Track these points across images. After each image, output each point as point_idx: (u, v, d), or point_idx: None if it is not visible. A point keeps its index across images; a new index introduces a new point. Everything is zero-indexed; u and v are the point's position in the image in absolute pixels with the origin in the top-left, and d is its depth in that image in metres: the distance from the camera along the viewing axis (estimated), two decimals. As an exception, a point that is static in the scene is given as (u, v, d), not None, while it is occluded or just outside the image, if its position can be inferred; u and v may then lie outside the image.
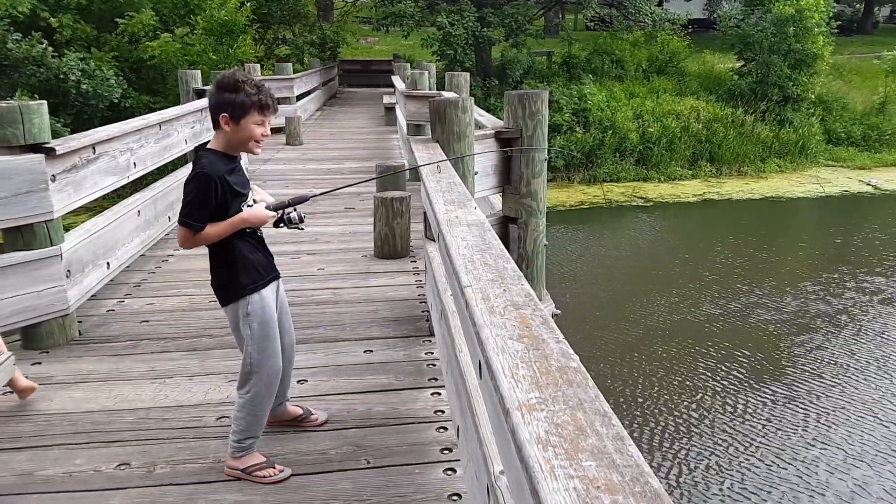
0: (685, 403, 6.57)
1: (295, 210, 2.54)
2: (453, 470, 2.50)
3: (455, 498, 2.35)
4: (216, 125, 2.35)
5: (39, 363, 3.41)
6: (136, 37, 13.09)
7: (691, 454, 5.75)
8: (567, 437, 1.00)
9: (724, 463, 5.62)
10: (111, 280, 4.33)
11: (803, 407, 6.54)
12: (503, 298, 1.59)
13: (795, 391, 6.84)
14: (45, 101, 3.54)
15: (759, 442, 5.94)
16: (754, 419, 6.32)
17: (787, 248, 11.75)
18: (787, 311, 8.91)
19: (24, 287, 3.43)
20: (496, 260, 1.91)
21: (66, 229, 3.81)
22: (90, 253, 3.97)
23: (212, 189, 2.27)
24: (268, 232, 2.57)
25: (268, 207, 2.46)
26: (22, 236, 3.46)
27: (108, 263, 4.21)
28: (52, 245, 3.55)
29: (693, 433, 6.06)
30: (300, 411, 2.79)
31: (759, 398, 6.69)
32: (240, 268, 2.39)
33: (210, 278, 2.48)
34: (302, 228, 2.56)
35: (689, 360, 7.49)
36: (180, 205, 2.33)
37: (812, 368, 7.35)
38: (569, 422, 1.05)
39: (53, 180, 3.52)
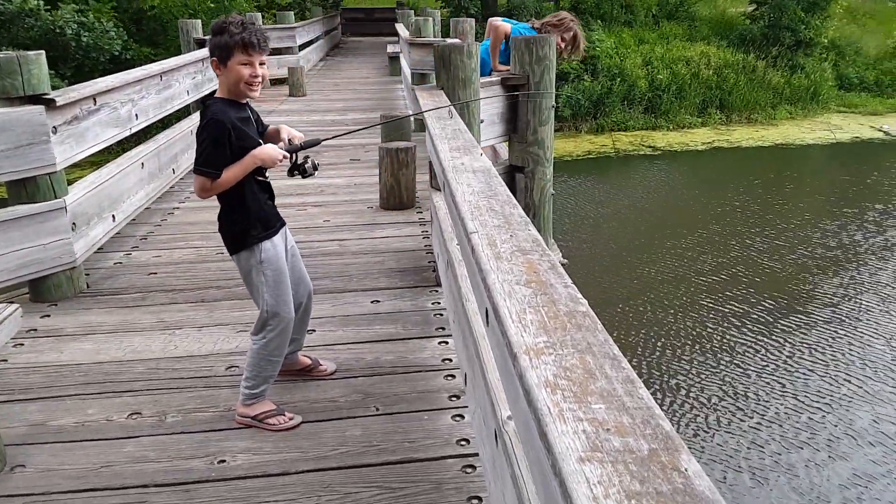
0: (698, 344, 6.63)
1: (309, 159, 2.53)
2: (461, 416, 2.52)
3: (463, 443, 2.37)
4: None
5: (48, 316, 3.43)
6: (136, -14, 12.87)
7: (702, 396, 5.81)
8: (576, 381, 0.99)
9: (733, 405, 5.67)
10: (117, 233, 4.33)
11: (818, 343, 6.65)
12: (510, 244, 1.57)
13: (813, 327, 6.96)
14: (43, 52, 3.47)
15: (771, 382, 6.00)
16: (768, 356, 6.40)
17: (799, 194, 11.66)
18: (802, 252, 8.94)
19: (30, 240, 3.43)
20: (503, 206, 1.88)
21: (70, 183, 3.79)
22: (95, 205, 3.96)
23: (224, 135, 2.24)
24: (273, 183, 2.54)
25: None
26: (25, 189, 3.43)
27: (113, 216, 4.20)
28: (55, 198, 3.52)
29: (704, 375, 6.11)
30: (309, 361, 2.81)
31: (775, 335, 6.78)
32: (252, 215, 2.38)
33: (218, 226, 2.45)
34: (314, 176, 2.57)
35: (705, 304, 7.53)
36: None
37: (835, 301, 7.49)
38: (577, 365, 1.03)
39: (55, 132, 3.48)
